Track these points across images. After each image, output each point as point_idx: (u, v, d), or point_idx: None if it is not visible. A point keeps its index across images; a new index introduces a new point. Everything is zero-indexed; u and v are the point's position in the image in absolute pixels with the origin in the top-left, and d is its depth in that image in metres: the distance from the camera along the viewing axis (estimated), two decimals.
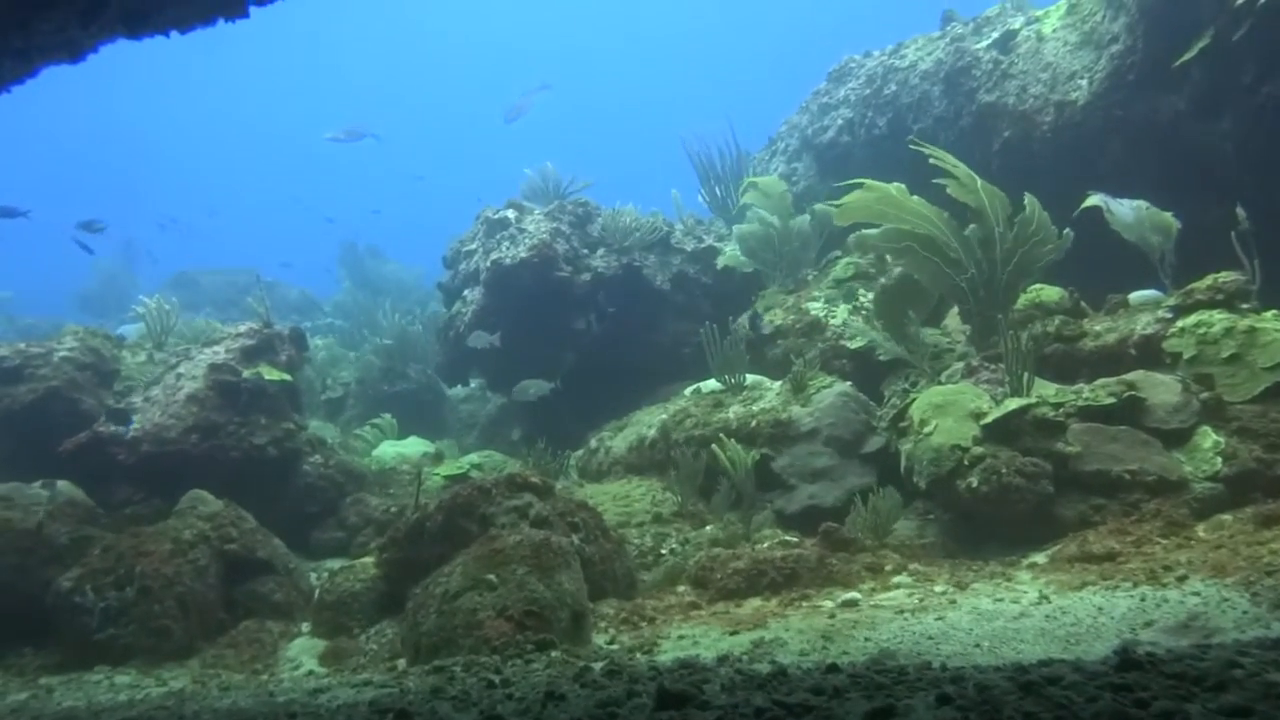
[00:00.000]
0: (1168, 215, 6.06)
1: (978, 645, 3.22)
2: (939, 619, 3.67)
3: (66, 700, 3.90)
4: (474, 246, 9.76)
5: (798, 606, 4.65)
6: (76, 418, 6.54)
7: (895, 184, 6.97)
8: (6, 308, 21.36)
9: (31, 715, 3.47)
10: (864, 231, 7.03)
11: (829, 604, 4.57)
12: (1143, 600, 3.39)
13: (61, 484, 5.95)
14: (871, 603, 4.45)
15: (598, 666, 3.19)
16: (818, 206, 9.18)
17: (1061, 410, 5.23)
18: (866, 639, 3.47)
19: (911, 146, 7.49)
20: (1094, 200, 6.38)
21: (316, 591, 5.71)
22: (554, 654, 3.73)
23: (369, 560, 5.75)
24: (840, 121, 11.04)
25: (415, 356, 12.74)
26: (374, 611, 5.37)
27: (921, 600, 4.25)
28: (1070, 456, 5.02)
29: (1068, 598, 3.71)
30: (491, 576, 4.29)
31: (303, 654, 5.12)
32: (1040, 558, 4.76)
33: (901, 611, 3.94)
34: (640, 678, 2.84)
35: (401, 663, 4.31)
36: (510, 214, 9.40)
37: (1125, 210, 5.92)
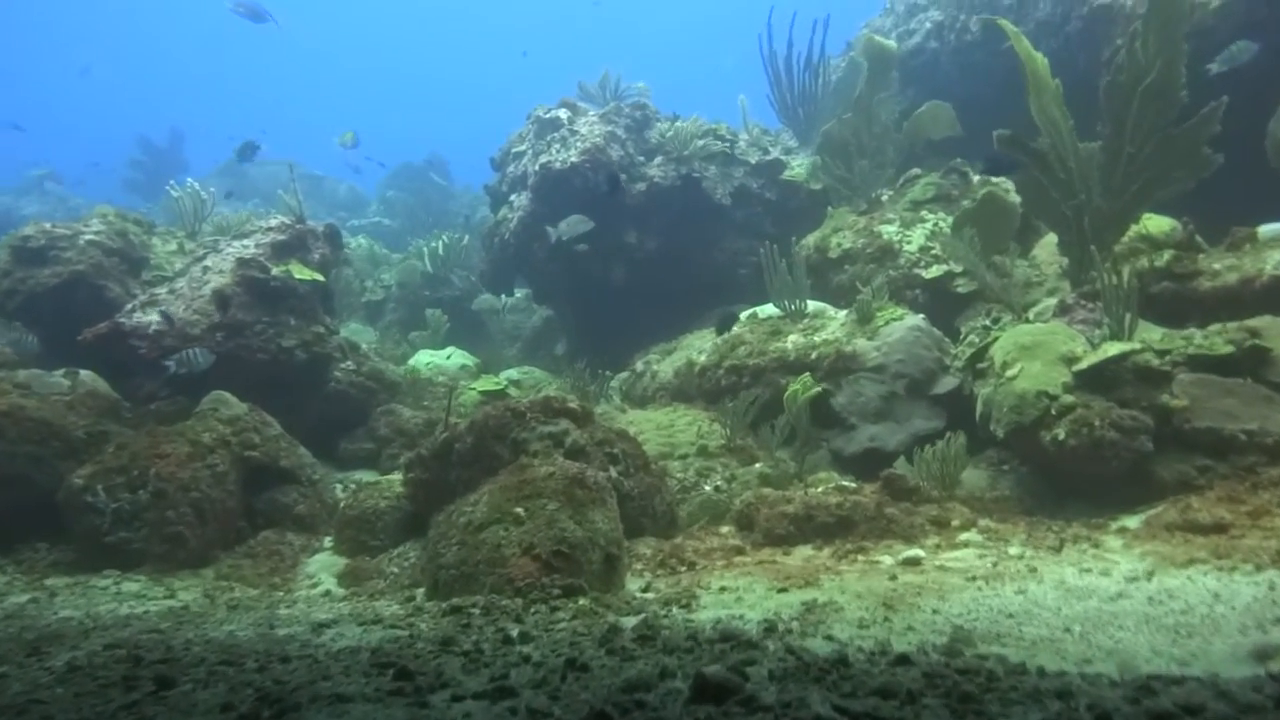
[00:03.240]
0: None
1: (1068, 630, 2.82)
2: (1019, 592, 3.27)
3: (65, 609, 3.73)
4: (524, 148, 9.29)
5: (853, 560, 4.29)
6: (102, 305, 6.35)
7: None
8: (55, 189, 21.50)
9: (21, 626, 3.28)
10: (1002, 131, 6.14)
11: (888, 560, 4.20)
12: (1272, 589, 2.95)
13: (84, 374, 5.79)
14: (937, 562, 4.07)
15: (629, 625, 2.86)
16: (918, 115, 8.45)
17: (1168, 358, 4.69)
18: (935, 611, 3.09)
19: (998, 23, 6.68)
20: None
21: (341, 505, 5.51)
22: (582, 602, 3.43)
23: (395, 478, 5.52)
24: (929, 25, 10.20)
25: (460, 263, 12.42)
26: (398, 532, 5.16)
27: (995, 565, 3.84)
28: (1175, 411, 4.50)
29: (1172, 576, 3.27)
30: (519, 510, 3.98)
31: (322, 571, 4.94)
32: (1132, 522, 4.30)
33: (974, 578, 3.55)
34: (676, 648, 2.51)
35: (420, 593, 4.07)
36: (563, 113, 8.87)
37: None
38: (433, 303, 11.66)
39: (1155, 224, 5.78)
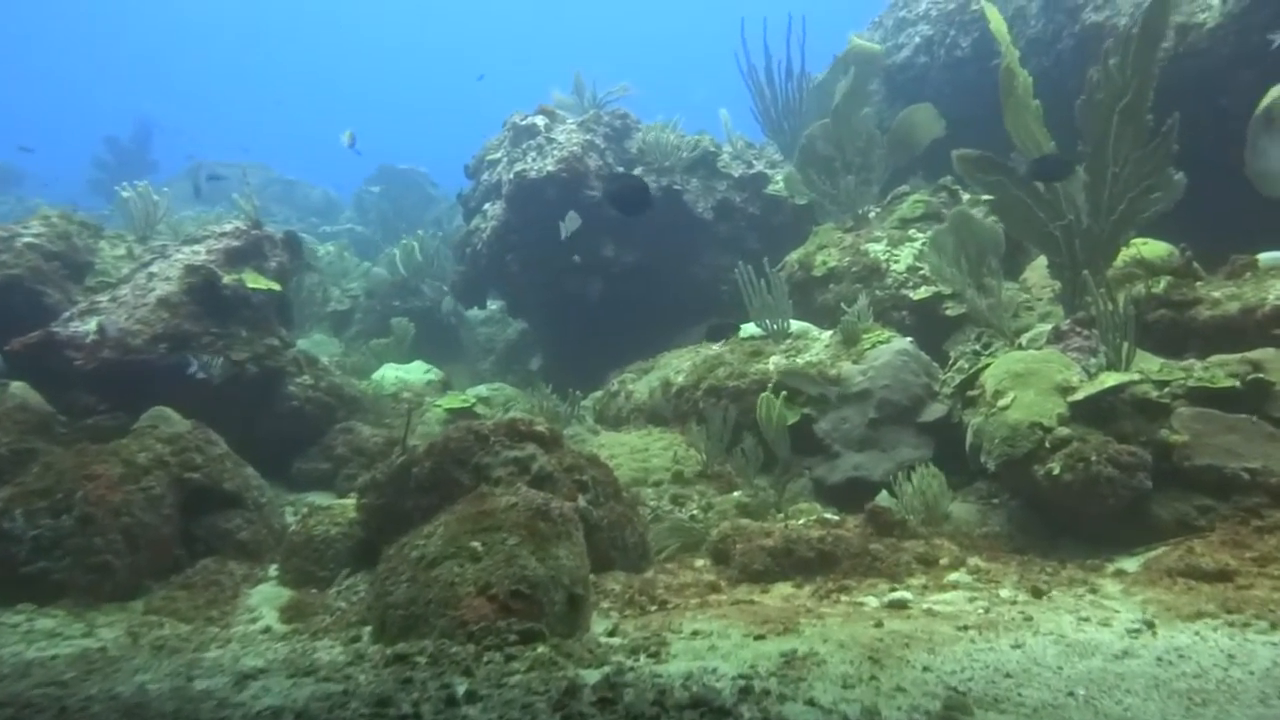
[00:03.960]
0: None
1: (1071, 694, 2.60)
2: (1016, 646, 3.05)
3: None
4: (499, 156, 9.05)
5: (835, 601, 4.07)
6: (40, 312, 6.04)
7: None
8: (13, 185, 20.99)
9: None
10: (965, 150, 6.07)
11: (873, 602, 3.98)
12: None
13: (15, 386, 5.47)
14: (925, 605, 3.84)
15: (590, 682, 2.61)
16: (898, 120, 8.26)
17: (1167, 390, 4.51)
18: (925, 668, 2.86)
19: (992, 29, 6.52)
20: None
21: (289, 531, 5.21)
22: (541, 649, 3.16)
23: (350, 501, 5.23)
24: (918, 40, 10.09)
25: (432, 272, 12.16)
26: (349, 561, 4.87)
27: (987, 611, 3.63)
28: (1174, 446, 4.31)
29: (1179, 631, 3.06)
30: (477, 544, 3.71)
31: (265, 603, 4.63)
32: (1129, 564, 4.11)
33: (965, 627, 3.32)
34: (640, 715, 2.25)
35: (367, 634, 3.78)
36: (540, 120, 8.64)
37: (1273, 156, 5.05)
38: (402, 313, 11.36)
39: (1151, 249, 5.63)
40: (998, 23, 5.72)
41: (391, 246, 12.33)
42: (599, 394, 7.57)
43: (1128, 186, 5.64)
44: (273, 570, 5.00)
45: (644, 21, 54.39)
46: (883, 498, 4.97)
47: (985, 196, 6.41)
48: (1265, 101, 5.39)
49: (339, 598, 4.58)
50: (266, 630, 4.21)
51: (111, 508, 4.45)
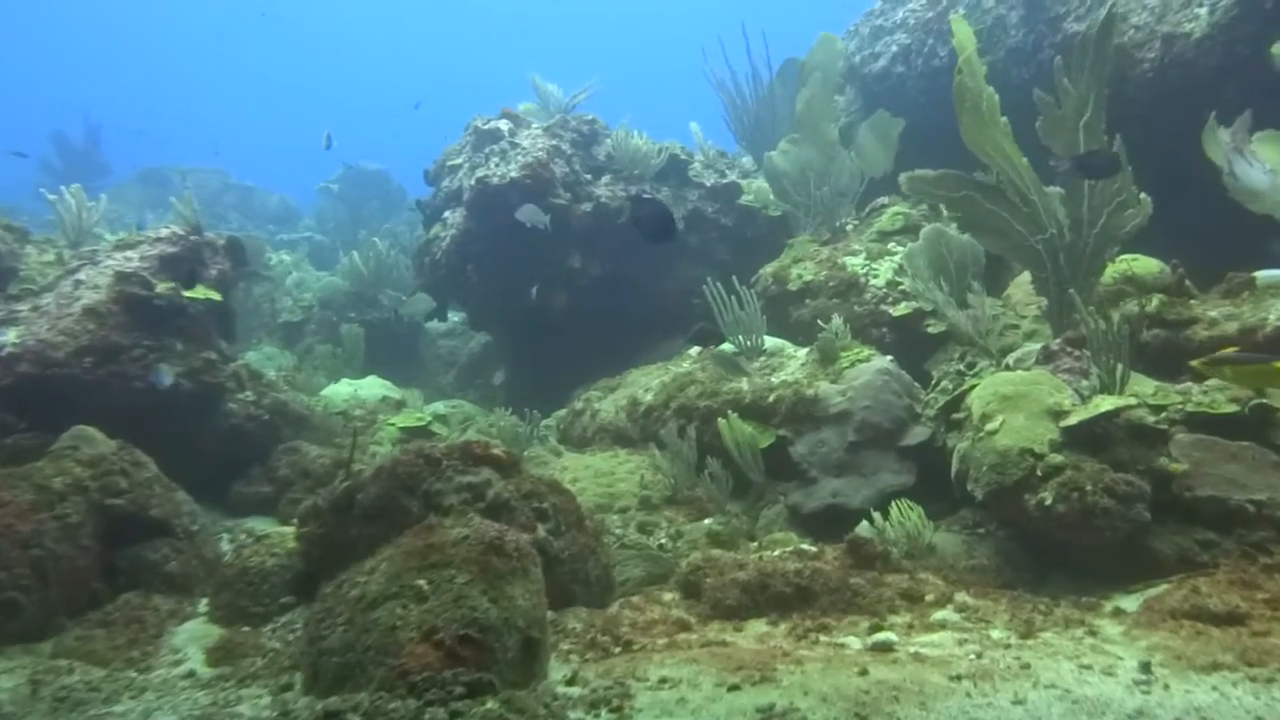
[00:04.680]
0: None
1: None
2: (1017, 702, 2.80)
3: None
4: (460, 161, 8.75)
5: (814, 642, 3.81)
6: None
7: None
8: None
9: None
10: (919, 172, 5.96)
11: (855, 644, 3.72)
12: None
13: None
14: (911, 648, 3.60)
15: None
16: (857, 143, 8.08)
17: (1164, 415, 4.32)
18: None
19: (955, 38, 6.35)
20: (1216, 153, 5.34)
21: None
22: (490, 705, 2.87)
23: (291, 530, 4.89)
24: (895, 49, 9.93)
25: (391, 282, 11.79)
26: (287, 596, 4.54)
27: (980, 656, 3.39)
28: (1174, 475, 4.11)
29: (1195, 686, 2.83)
30: (422, 582, 3.40)
31: (191, 643, 4.28)
32: (1128, 603, 3.89)
33: (959, 677, 3.07)
34: None
35: (298, 683, 3.46)
36: (503, 125, 8.37)
37: (1257, 173, 4.91)
38: (358, 325, 10.99)
39: (1143, 265, 5.47)
40: (963, 37, 5.53)
41: (349, 253, 11.95)
42: (563, 412, 7.28)
43: (1104, 200, 5.49)
44: (203, 606, 4.65)
45: (615, 28, 54.40)
46: (863, 527, 4.72)
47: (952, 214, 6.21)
48: (1224, 139, 5.27)
49: (274, 637, 4.25)
50: (190, 675, 3.87)
51: (19, 539, 4.08)
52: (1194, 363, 4.01)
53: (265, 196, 23.80)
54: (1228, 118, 6.51)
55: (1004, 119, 5.64)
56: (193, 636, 4.34)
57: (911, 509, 4.67)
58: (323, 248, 19.03)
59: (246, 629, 4.34)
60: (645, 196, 5.26)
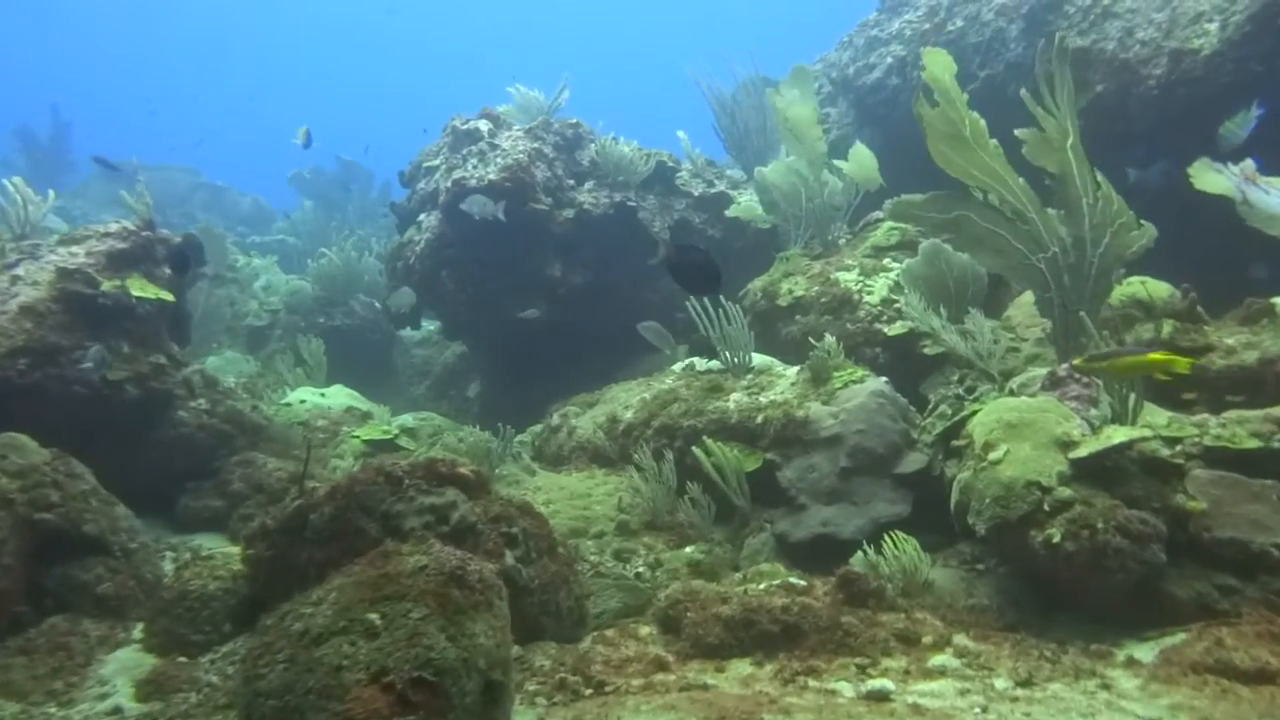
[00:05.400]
0: None
1: None
2: None
3: None
4: (437, 162, 8.47)
5: (802, 688, 3.54)
6: None
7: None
8: None
9: None
10: (905, 197, 5.75)
11: (848, 691, 3.46)
12: None
13: None
14: (910, 698, 3.34)
15: None
16: (844, 164, 7.87)
17: (1179, 449, 4.09)
18: None
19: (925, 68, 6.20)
20: (1220, 183, 5.17)
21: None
22: None
23: (238, 551, 4.57)
24: (890, 60, 9.78)
25: (363, 287, 11.47)
26: (230, 623, 4.21)
27: (985, 709, 3.14)
28: (1191, 514, 3.87)
29: None
30: (374, 616, 3.10)
31: (121, 674, 3.95)
32: (1143, 653, 3.64)
33: None
34: None
35: None
36: (483, 125, 8.10)
37: (1274, 199, 4.72)
38: (327, 331, 10.65)
39: (1153, 288, 5.26)
40: (938, 69, 5.32)
41: (318, 255, 11.60)
42: (538, 428, 6.99)
43: (1106, 219, 5.29)
44: (137, 632, 4.31)
45: (602, 34, 54.48)
46: (858, 559, 4.46)
47: (944, 236, 5.99)
48: (1232, 171, 5.11)
49: (212, 669, 3.92)
50: (115, 712, 3.56)
51: None
52: (1075, 361, 4.01)
53: (238, 197, 23.41)
54: (1255, 146, 6.37)
55: (994, 141, 5.45)
56: (124, 666, 4.01)
57: (906, 541, 4.42)
58: (295, 251, 18.67)
59: (183, 660, 4.02)
60: (687, 246, 5.00)
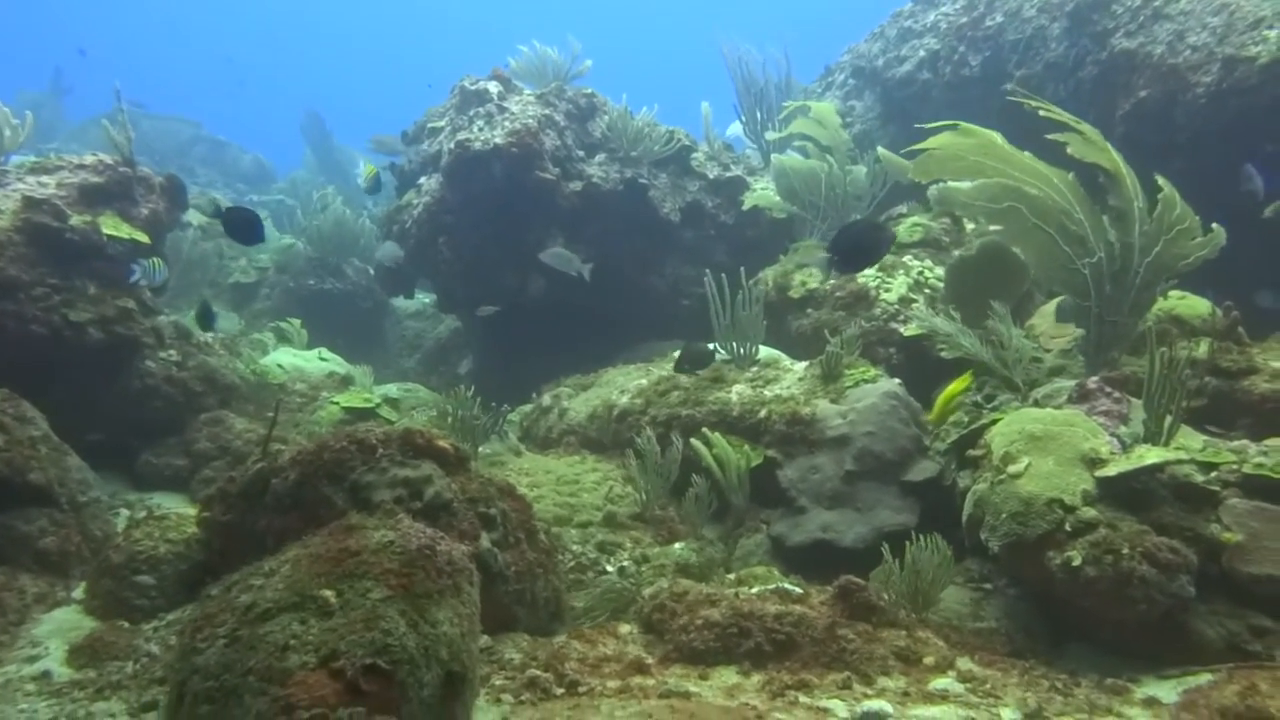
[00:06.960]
0: None
1: None
2: None
3: None
4: (442, 123, 8.20)
5: (792, 702, 3.31)
6: None
7: (997, 133, 5.50)
8: None
9: None
10: (953, 184, 5.53)
11: (841, 710, 3.24)
12: None
13: None
14: None
15: None
16: (881, 151, 7.65)
17: (1215, 475, 3.85)
18: None
19: (1010, 98, 6.05)
20: None
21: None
22: None
23: (194, 513, 4.33)
24: (923, 53, 9.53)
25: (358, 252, 11.21)
26: (178, 590, 3.98)
27: None
28: (1225, 546, 3.64)
29: None
30: (329, 594, 2.85)
31: (55, 635, 3.72)
32: (1163, 692, 3.41)
33: None
34: None
35: (163, 703, 2.90)
36: (492, 86, 7.83)
37: None
38: (317, 294, 10.40)
39: (1190, 304, 5.01)
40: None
41: (312, 214, 11.31)
42: (528, 408, 6.74)
43: (1161, 226, 5.04)
44: (79, 592, 4.08)
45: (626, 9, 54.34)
46: (879, 572, 4.18)
47: (993, 227, 5.75)
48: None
49: (154, 638, 3.68)
50: (41, 677, 3.32)
51: None
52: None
53: (239, 153, 23.09)
54: None
55: (1027, 154, 5.23)
56: (59, 628, 3.78)
57: (936, 548, 4.14)
58: (292, 212, 18.40)
59: (125, 625, 3.78)
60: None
